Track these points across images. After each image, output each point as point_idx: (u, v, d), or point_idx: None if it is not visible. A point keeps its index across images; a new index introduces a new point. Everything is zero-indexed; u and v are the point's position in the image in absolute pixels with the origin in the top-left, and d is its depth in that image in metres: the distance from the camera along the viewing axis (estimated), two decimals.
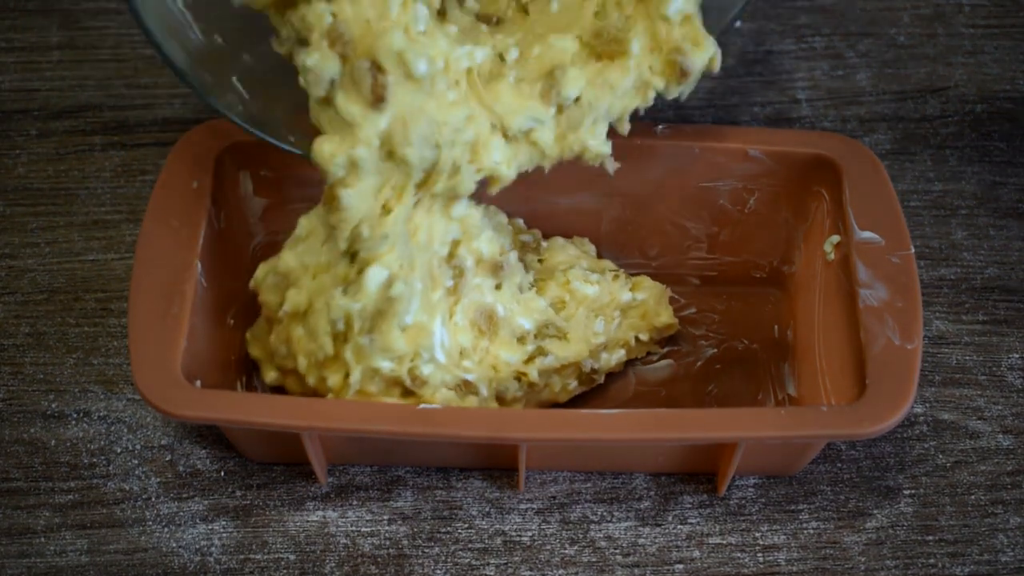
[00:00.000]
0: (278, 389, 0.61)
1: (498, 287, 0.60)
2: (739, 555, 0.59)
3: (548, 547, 0.59)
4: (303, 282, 0.58)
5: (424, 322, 0.57)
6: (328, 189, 0.54)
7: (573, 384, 0.62)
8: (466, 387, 0.59)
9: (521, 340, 0.60)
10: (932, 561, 0.59)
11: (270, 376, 0.60)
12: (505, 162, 0.56)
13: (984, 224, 0.70)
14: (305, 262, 0.58)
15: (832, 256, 0.61)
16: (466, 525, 0.60)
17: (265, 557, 0.59)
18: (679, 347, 0.66)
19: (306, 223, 0.59)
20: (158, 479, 0.61)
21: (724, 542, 0.60)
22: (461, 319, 0.58)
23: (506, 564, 0.59)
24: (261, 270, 0.60)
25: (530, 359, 0.60)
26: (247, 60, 0.57)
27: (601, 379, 0.64)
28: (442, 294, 0.58)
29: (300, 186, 0.64)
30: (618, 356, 0.63)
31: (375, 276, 0.55)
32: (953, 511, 0.60)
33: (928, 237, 0.70)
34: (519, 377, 0.60)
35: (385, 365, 0.56)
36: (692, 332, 0.66)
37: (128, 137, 0.74)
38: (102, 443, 0.62)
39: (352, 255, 0.56)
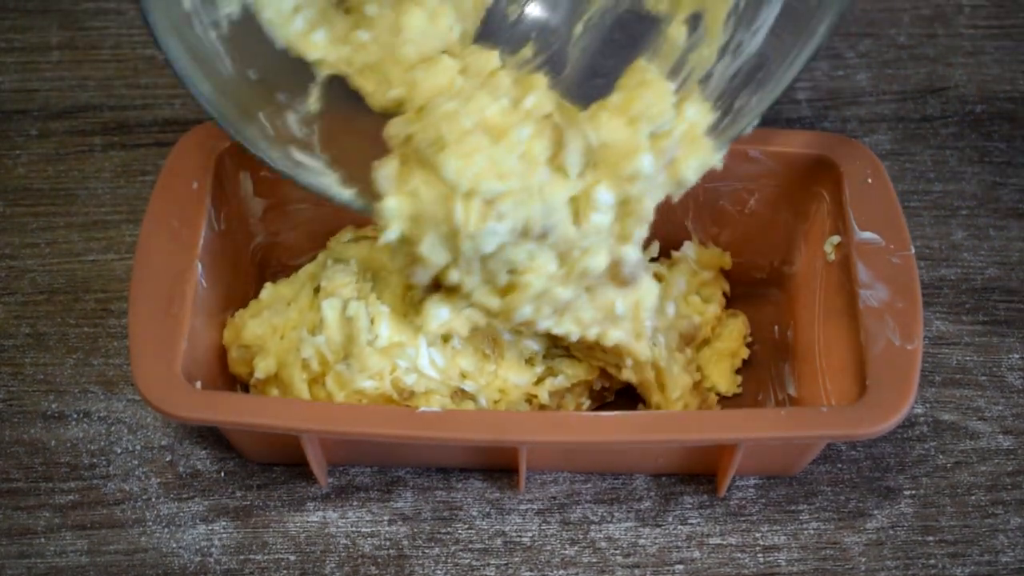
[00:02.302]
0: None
1: None
2: (739, 555, 0.59)
3: (548, 548, 0.59)
4: (270, 345, 0.60)
5: (402, 341, 0.57)
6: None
7: (586, 404, 0.62)
8: (462, 394, 0.59)
9: (530, 361, 0.60)
10: (932, 562, 0.59)
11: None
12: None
13: (984, 224, 0.70)
14: (273, 323, 0.60)
15: (832, 256, 0.61)
16: (466, 526, 0.60)
17: (265, 558, 0.59)
18: None
19: (272, 290, 0.62)
20: (158, 480, 0.61)
21: (724, 543, 0.60)
22: (459, 343, 0.59)
23: (506, 565, 0.59)
24: (228, 333, 0.61)
25: (540, 380, 0.60)
26: (281, 99, 0.57)
27: (611, 396, 0.63)
28: None
29: (300, 187, 0.64)
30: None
31: (330, 305, 0.58)
32: (953, 511, 0.60)
33: (928, 237, 0.70)
34: (529, 400, 0.60)
35: (367, 385, 0.57)
36: None
37: (128, 137, 0.74)
38: (102, 444, 0.62)
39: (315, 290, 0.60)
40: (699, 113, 0.55)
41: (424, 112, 0.54)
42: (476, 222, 0.53)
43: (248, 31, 0.55)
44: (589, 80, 0.58)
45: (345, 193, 0.57)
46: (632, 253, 0.57)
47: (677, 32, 0.58)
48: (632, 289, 0.58)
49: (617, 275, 0.57)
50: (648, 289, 0.58)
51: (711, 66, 0.57)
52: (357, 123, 0.58)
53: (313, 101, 0.58)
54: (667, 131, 0.54)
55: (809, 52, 0.54)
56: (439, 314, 0.57)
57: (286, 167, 0.56)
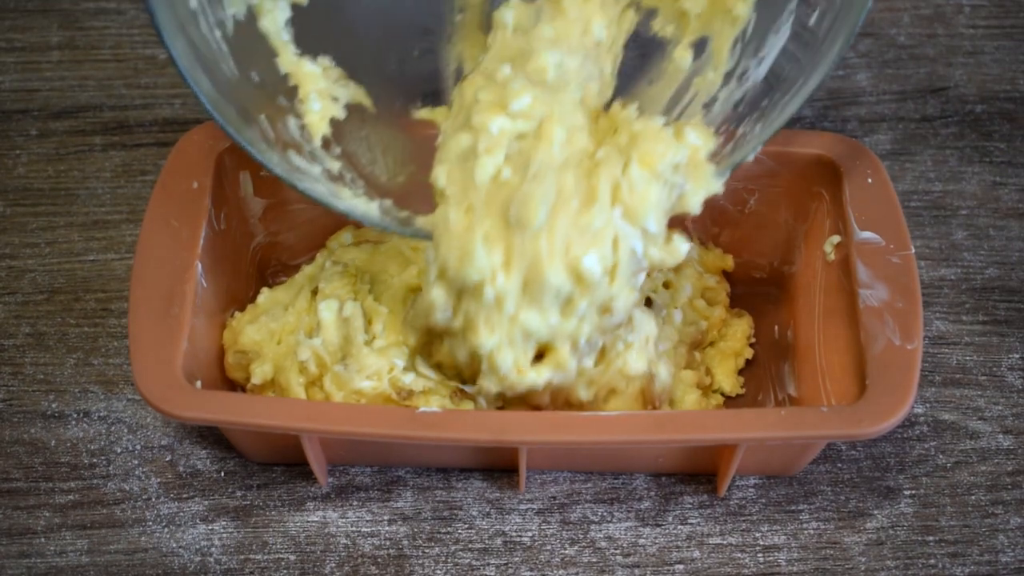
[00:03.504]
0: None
1: None
2: (739, 555, 0.59)
3: (548, 547, 0.59)
4: (267, 351, 0.60)
5: (400, 341, 0.58)
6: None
7: None
8: (461, 394, 0.59)
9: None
10: (932, 561, 0.59)
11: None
12: None
13: (984, 224, 0.70)
14: (271, 328, 0.60)
15: (832, 256, 0.61)
16: (466, 525, 0.60)
17: (265, 557, 0.59)
18: None
19: (270, 295, 0.62)
20: (158, 479, 0.61)
21: (724, 542, 0.60)
22: (437, 357, 0.59)
23: (506, 564, 0.59)
24: (228, 336, 0.61)
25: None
26: (282, 103, 0.57)
27: None
28: None
29: (298, 192, 0.64)
30: None
31: (327, 307, 0.59)
32: (953, 511, 0.60)
33: (928, 237, 0.70)
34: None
35: (366, 385, 0.57)
36: None
37: (128, 137, 0.74)
38: (102, 443, 0.62)
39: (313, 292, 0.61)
40: (701, 138, 0.55)
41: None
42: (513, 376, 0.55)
43: (252, 33, 0.55)
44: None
45: (343, 204, 0.57)
46: (665, 373, 0.59)
47: (682, 56, 0.58)
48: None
49: (648, 392, 0.58)
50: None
51: (715, 91, 0.57)
52: (363, 130, 0.59)
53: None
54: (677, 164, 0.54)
55: (813, 84, 0.55)
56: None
57: (284, 171, 0.56)
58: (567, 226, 0.53)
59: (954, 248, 0.69)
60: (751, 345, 0.65)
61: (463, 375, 0.58)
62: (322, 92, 0.57)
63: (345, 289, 0.60)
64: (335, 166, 0.58)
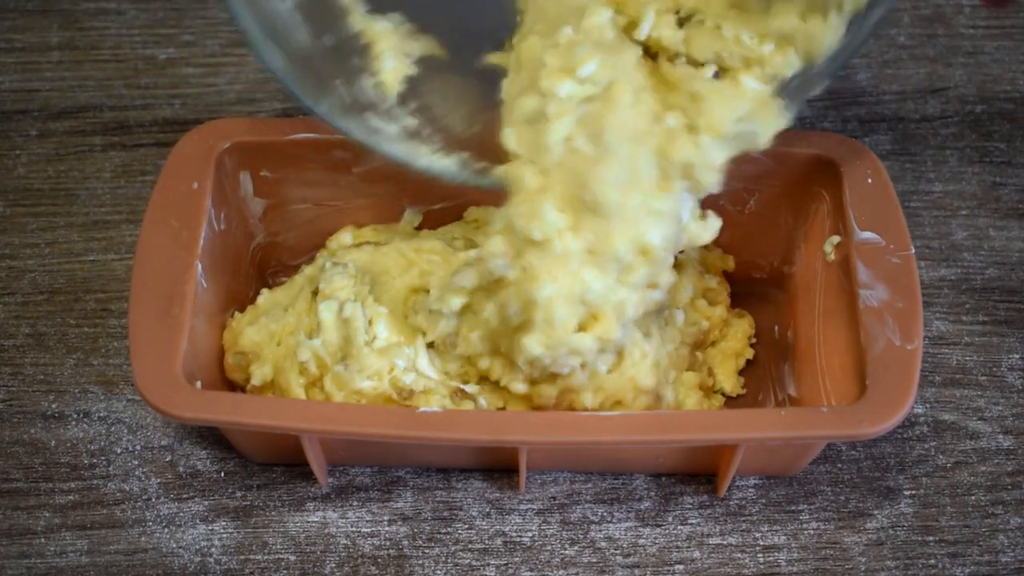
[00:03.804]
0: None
1: None
2: (739, 555, 0.59)
3: (548, 548, 0.59)
4: (266, 352, 0.60)
5: (400, 341, 0.58)
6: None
7: None
8: (462, 394, 0.59)
9: None
10: (932, 562, 0.59)
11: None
12: None
13: (984, 225, 0.70)
14: (271, 329, 0.60)
15: (832, 256, 0.61)
16: (466, 526, 0.60)
17: (265, 558, 0.59)
18: None
19: (270, 296, 0.62)
20: (158, 480, 0.61)
21: (724, 543, 0.60)
22: (462, 347, 0.59)
23: (506, 565, 0.59)
24: (227, 337, 0.61)
25: None
26: (355, 63, 0.57)
27: None
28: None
29: (300, 187, 0.64)
30: None
31: (327, 308, 0.58)
32: (953, 511, 0.60)
33: (928, 237, 0.70)
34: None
35: (366, 385, 0.57)
36: None
37: (128, 137, 0.74)
38: (102, 444, 0.62)
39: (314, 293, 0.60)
40: (759, 81, 0.55)
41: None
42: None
43: None
44: None
45: (422, 161, 0.57)
46: (670, 395, 0.59)
47: None
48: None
49: (655, 404, 0.59)
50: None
51: None
52: (436, 82, 0.59)
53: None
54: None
55: (881, 11, 0.54)
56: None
57: (363, 135, 0.57)
58: (638, 207, 0.53)
59: (954, 248, 0.69)
60: (751, 345, 0.65)
61: (472, 371, 0.58)
62: (394, 49, 0.58)
63: (345, 290, 0.60)
64: (411, 123, 0.58)
